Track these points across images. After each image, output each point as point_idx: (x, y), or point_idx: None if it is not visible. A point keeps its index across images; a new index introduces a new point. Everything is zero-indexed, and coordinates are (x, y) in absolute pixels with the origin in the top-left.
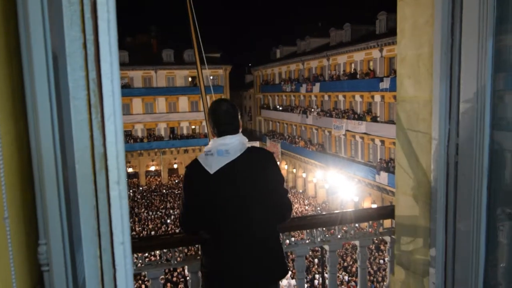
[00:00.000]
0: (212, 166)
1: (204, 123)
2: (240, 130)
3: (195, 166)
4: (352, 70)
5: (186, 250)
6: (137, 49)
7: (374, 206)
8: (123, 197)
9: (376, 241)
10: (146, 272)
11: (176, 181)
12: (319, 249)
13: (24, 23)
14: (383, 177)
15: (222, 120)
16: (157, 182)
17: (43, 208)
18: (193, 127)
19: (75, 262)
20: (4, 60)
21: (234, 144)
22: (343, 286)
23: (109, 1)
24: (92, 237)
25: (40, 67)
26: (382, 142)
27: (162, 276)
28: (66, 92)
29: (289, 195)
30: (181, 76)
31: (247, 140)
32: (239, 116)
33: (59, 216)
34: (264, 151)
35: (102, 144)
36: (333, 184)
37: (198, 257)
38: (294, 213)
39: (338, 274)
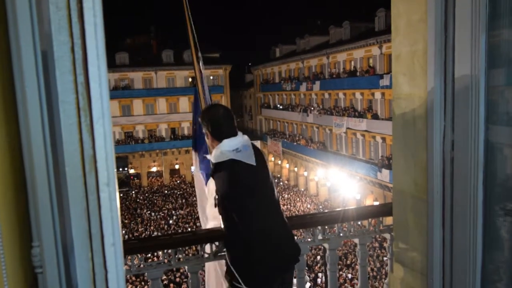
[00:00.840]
0: (250, 159)
1: None
2: None
3: (237, 164)
4: (352, 67)
5: (189, 250)
6: (137, 50)
7: (376, 203)
8: (113, 199)
9: (380, 239)
10: (146, 273)
11: (178, 181)
12: (322, 247)
13: (14, 28)
14: (384, 175)
15: (225, 123)
16: (159, 183)
17: (35, 211)
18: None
19: (69, 264)
20: None
21: (246, 140)
22: (346, 284)
23: (95, 6)
24: (84, 239)
25: (30, 71)
26: (383, 139)
27: (164, 277)
28: (57, 96)
29: (291, 194)
30: (181, 76)
31: None
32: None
33: (51, 218)
34: None
35: (91, 146)
36: (335, 182)
37: (199, 257)
38: (296, 211)
39: (341, 272)
